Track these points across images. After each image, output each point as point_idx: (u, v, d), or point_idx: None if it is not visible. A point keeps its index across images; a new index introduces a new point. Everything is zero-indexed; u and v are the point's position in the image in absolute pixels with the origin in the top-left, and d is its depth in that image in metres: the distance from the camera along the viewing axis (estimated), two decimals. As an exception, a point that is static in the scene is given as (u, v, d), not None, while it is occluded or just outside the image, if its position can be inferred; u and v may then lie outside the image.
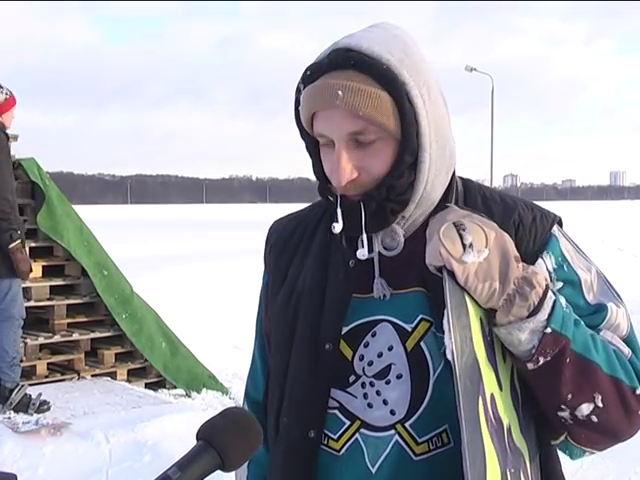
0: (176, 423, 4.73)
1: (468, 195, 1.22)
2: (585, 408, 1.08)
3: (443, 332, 1.11)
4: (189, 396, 5.88)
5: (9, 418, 4.77)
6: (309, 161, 1.21)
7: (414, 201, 1.15)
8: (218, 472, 0.90)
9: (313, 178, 1.21)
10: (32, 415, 4.79)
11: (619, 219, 33.80)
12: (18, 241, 4.59)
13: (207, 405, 5.59)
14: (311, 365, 1.18)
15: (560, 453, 1.22)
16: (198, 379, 6.04)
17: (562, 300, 1.09)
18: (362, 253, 1.15)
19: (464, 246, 1.02)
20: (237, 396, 5.96)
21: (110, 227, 18.33)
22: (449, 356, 1.02)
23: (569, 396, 1.07)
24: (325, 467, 1.18)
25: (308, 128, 1.17)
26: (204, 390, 5.98)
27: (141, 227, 28.13)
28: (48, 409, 4.86)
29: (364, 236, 1.14)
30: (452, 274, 1.03)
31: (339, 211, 1.14)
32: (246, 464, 1.36)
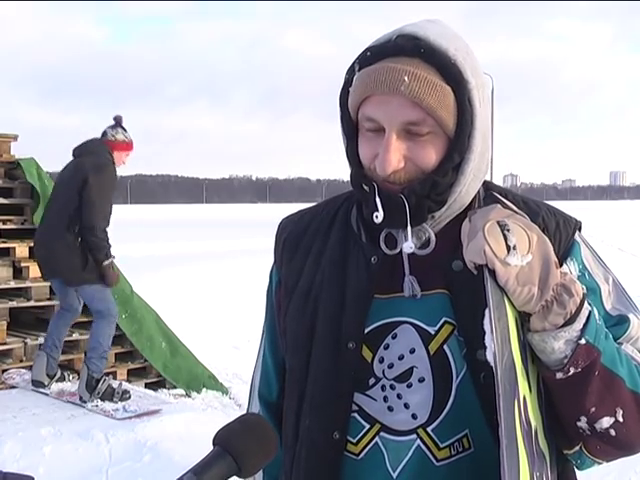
0: (176, 423, 4.72)
1: (488, 200, 1.18)
2: (605, 422, 1.06)
3: (465, 335, 1.10)
4: (189, 396, 5.88)
5: (96, 406, 5.07)
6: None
7: (448, 202, 1.12)
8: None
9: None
10: (117, 403, 5.10)
11: (619, 219, 33.77)
12: (112, 259, 5.07)
13: (207, 405, 5.59)
14: (333, 365, 1.15)
15: None
16: (198, 379, 6.04)
17: (595, 312, 1.07)
18: (409, 245, 1.11)
19: (508, 247, 1.00)
20: (237, 396, 5.96)
21: (110, 227, 18.26)
22: (490, 358, 0.99)
23: (592, 409, 1.05)
24: (343, 471, 1.16)
25: (354, 110, 1.12)
26: (204, 390, 5.98)
27: (141, 227, 28.10)
28: (129, 397, 5.20)
29: (409, 229, 1.10)
30: (492, 274, 1.01)
31: (378, 201, 1.10)
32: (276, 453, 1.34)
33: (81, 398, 5.13)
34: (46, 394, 5.35)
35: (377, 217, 1.10)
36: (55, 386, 5.41)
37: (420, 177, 1.09)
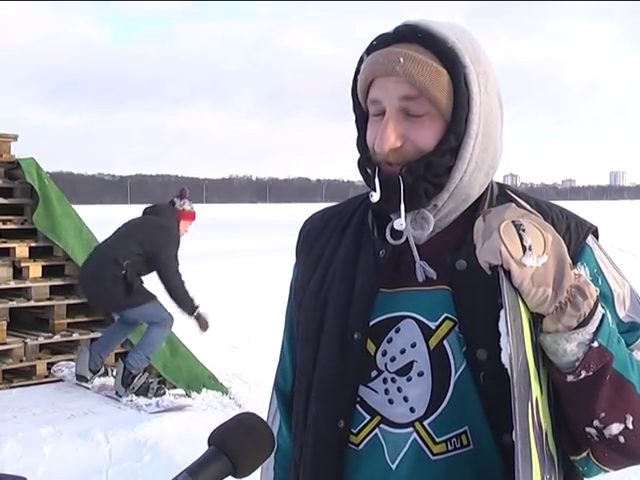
0: (176, 423, 4.73)
1: (502, 199, 1.19)
2: (615, 428, 1.05)
3: (465, 333, 1.11)
4: (189, 396, 5.87)
5: (131, 401, 5.29)
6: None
7: (448, 189, 1.14)
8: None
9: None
10: (152, 398, 5.35)
11: (619, 219, 33.80)
12: (198, 309, 5.44)
13: (207, 405, 5.59)
14: (340, 355, 1.18)
15: None
16: (198, 379, 6.03)
17: (609, 315, 1.06)
18: (400, 222, 1.13)
19: (524, 248, 0.99)
20: (237, 396, 5.95)
21: (110, 227, 18.30)
22: (505, 360, 0.99)
23: (602, 414, 1.05)
24: (346, 460, 1.17)
25: (362, 96, 1.18)
26: (204, 390, 5.97)
27: (141, 227, 28.04)
28: (164, 394, 5.46)
29: (402, 206, 1.12)
30: (507, 275, 1.00)
31: (377, 181, 1.14)
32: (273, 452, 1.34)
33: (117, 392, 5.36)
34: (88, 388, 5.57)
35: (372, 196, 1.14)
36: (97, 381, 5.64)
37: (416, 157, 1.12)
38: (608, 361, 1.03)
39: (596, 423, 1.06)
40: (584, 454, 1.12)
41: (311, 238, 1.32)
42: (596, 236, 1.20)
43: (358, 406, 1.16)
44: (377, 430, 1.15)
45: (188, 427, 4.61)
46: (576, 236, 1.16)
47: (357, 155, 1.22)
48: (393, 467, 1.14)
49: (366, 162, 1.18)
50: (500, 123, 1.18)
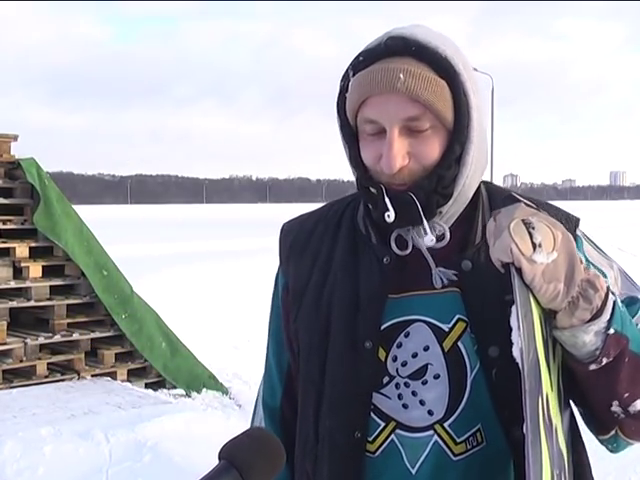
0: (176, 423, 4.72)
1: (493, 198, 1.21)
2: (639, 403, 1.09)
3: (476, 332, 1.12)
4: (189, 396, 5.88)
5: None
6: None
7: (454, 196, 1.14)
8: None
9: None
10: None
11: (619, 219, 33.81)
12: None
13: (207, 405, 5.59)
14: (351, 364, 1.17)
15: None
16: (198, 379, 6.04)
17: (618, 300, 1.09)
18: (430, 239, 1.12)
19: (534, 245, 1.01)
20: (237, 396, 5.96)
21: (110, 227, 18.33)
22: (516, 354, 1.00)
23: (626, 394, 1.08)
24: (362, 469, 1.17)
25: (352, 115, 1.14)
26: (204, 390, 5.98)
27: (141, 227, 28.12)
28: None
29: (425, 223, 1.12)
30: (519, 272, 1.02)
31: (387, 200, 1.12)
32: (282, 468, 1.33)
33: None
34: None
35: (389, 217, 1.11)
36: None
37: (423, 174, 1.11)
38: (625, 344, 1.05)
39: (620, 402, 1.08)
40: (612, 432, 1.14)
41: (299, 247, 1.28)
42: (578, 226, 1.22)
43: (372, 413, 1.16)
44: (393, 436, 1.15)
45: (188, 427, 4.60)
46: (568, 229, 1.17)
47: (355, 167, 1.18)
48: (413, 471, 1.14)
49: (368, 181, 1.15)
50: (487, 121, 1.19)
